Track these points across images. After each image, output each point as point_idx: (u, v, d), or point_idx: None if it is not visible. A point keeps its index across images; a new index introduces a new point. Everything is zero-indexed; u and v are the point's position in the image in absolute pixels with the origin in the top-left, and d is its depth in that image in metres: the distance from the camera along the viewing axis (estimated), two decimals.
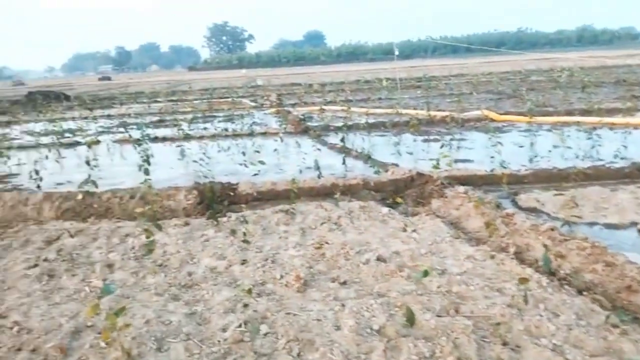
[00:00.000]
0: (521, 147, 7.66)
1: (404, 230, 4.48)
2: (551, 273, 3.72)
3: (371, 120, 10.79)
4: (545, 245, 3.35)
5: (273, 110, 14.11)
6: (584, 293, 3.42)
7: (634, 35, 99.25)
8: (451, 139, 8.60)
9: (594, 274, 3.60)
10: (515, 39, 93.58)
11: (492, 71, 25.97)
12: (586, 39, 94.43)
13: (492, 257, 3.97)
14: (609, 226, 4.55)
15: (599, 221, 4.65)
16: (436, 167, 5.06)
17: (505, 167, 5.11)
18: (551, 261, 3.33)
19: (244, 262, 3.87)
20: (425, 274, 2.78)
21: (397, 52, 19.09)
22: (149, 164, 5.73)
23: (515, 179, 5.93)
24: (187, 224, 4.69)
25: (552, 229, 4.17)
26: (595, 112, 10.18)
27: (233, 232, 4.11)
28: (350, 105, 13.62)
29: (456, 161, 7.09)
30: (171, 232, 4.53)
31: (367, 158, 7.20)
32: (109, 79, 63.95)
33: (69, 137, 10.80)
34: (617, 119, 9.37)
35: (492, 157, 6.62)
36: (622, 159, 6.61)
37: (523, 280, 2.85)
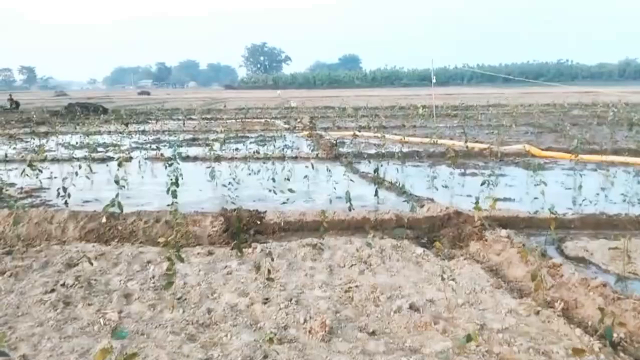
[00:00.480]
0: (568, 188, 7.23)
1: (441, 276, 4.16)
2: (603, 335, 3.34)
3: (405, 150, 10.52)
4: (601, 309, 2.99)
5: (305, 133, 14.01)
6: None
7: None
8: (490, 175, 8.23)
9: None
10: (554, 71, 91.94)
11: (532, 103, 25.35)
12: (628, 73, 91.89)
13: (537, 312, 3.62)
14: None
15: None
16: (478, 208, 4.74)
17: (553, 212, 4.75)
18: (613, 331, 2.96)
19: (266, 300, 3.63)
20: (469, 339, 2.48)
21: (434, 80, 18.87)
22: (177, 185, 5.61)
23: (561, 223, 5.52)
24: (210, 253, 4.51)
25: (604, 285, 3.80)
26: None
27: (257, 268, 3.89)
28: (385, 132, 13.41)
29: (497, 199, 6.72)
30: (193, 262, 4.35)
31: (401, 191, 6.93)
32: (148, 93, 65.69)
33: (101, 151, 10.91)
34: None
35: (535, 197, 6.24)
36: None
37: (578, 352, 2.50)
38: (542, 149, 10.16)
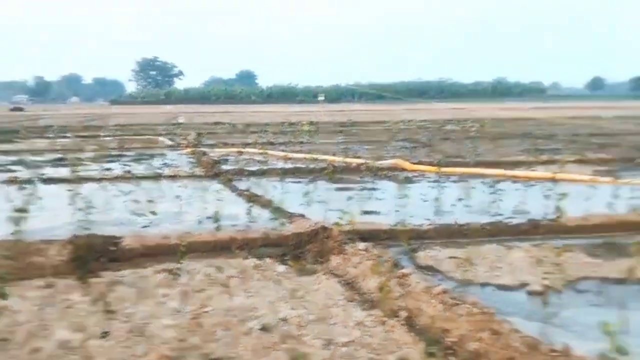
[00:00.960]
0: (426, 201, 7.74)
1: (296, 293, 4.20)
2: (437, 342, 3.58)
3: (288, 166, 10.64)
4: (432, 317, 3.20)
5: (188, 150, 13.62)
6: None
7: (541, 89, 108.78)
8: (362, 189, 8.59)
9: (480, 343, 3.47)
10: (436, 89, 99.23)
11: (412, 119, 27.09)
12: (500, 91, 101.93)
13: (383, 323, 3.78)
14: (501, 287, 4.53)
15: (492, 282, 4.63)
16: (338, 224, 4.89)
17: (405, 222, 5.04)
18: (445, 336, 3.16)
19: (104, 335, 3.39)
20: None
21: (321, 97, 19.43)
22: (24, 211, 5.09)
23: (417, 234, 5.88)
24: (50, 285, 4.13)
25: (445, 292, 4.06)
26: (501, 164, 10.69)
27: (99, 299, 3.63)
28: (272, 149, 13.52)
29: (365, 212, 7.01)
30: (29, 296, 3.95)
31: (275, 208, 6.94)
32: (21, 109, 59.69)
33: None
34: (520, 172, 9.84)
35: (396, 210, 6.60)
36: (520, 214, 6.82)
37: None
38: (413, 163, 10.82)
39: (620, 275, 4.55)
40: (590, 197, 7.40)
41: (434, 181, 9.32)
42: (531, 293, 4.40)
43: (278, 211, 6.58)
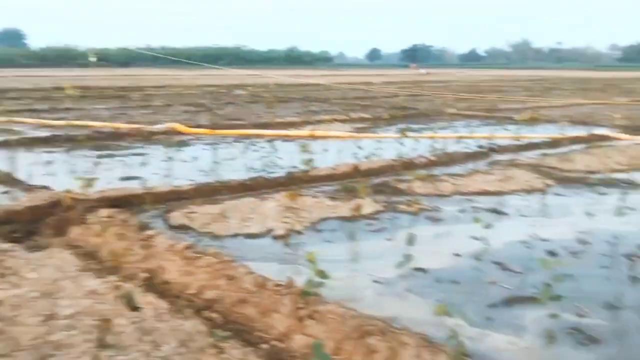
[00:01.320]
0: (194, 162, 7.66)
1: (18, 271, 3.71)
2: (176, 296, 3.58)
3: (43, 134, 9.37)
4: (172, 274, 3.13)
5: None
6: (203, 312, 3.34)
7: (328, 58, 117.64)
8: (129, 155, 8.07)
9: (216, 291, 3.58)
10: (233, 55, 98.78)
11: (202, 84, 26.53)
12: (292, 59, 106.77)
13: (118, 288, 3.59)
14: (249, 236, 4.73)
15: (242, 232, 4.80)
16: (67, 191, 4.45)
17: (147, 187, 4.85)
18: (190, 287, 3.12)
19: None
20: None
21: (92, 58, 17.55)
22: None
23: (177, 194, 5.77)
24: None
25: (188, 247, 4.06)
26: (275, 125, 11.17)
27: None
28: (30, 116, 11.81)
29: (127, 178, 6.59)
30: None
31: (9, 181, 6.03)
32: None
33: None
34: (290, 132, 10.42)
35: (157, 173, 6.35)
36: (281, 168, 7.22)
37: (105, 323, 2.52)
38: (191, 127, 10.57)
39: (352, 213, 5.17)
40: (343, 150, 8.24)
41: (210, 143, 9.28)
42: (276, 237, 4.69)
43: (14, 184, 5.73)
